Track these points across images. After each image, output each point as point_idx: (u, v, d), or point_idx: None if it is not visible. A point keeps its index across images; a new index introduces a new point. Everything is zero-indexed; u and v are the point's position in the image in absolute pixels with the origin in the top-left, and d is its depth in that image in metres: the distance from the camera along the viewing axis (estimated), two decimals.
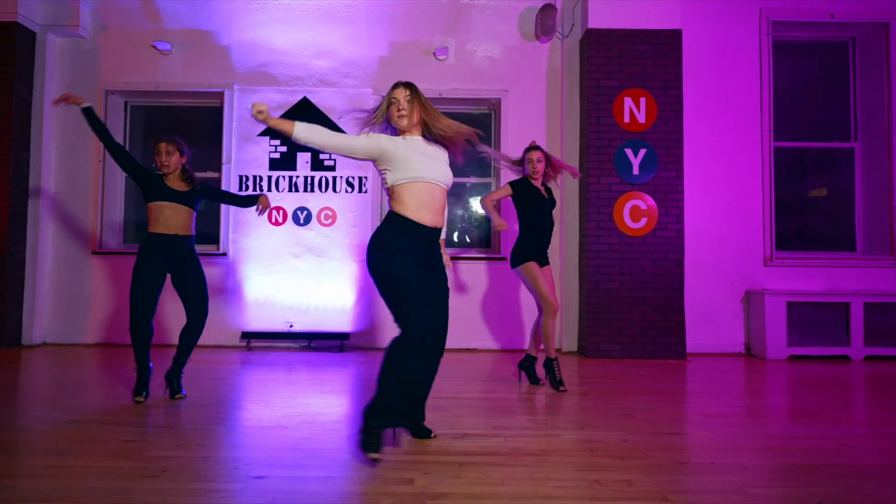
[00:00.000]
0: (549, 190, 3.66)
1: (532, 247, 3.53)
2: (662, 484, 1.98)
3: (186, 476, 2.00)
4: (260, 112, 2.13)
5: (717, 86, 5.17)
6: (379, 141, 2.28)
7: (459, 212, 5.55)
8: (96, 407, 2.97)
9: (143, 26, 5.26)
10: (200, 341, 5.01)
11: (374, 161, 2.32)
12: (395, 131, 2.38)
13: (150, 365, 3.16)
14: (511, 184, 3.57)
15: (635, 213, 4.80)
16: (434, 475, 2.04)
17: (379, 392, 2.17)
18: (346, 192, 5.22)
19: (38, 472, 2.03)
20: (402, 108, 2.31)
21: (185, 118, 5.56)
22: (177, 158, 3.15)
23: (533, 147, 3.58)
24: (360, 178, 5.23)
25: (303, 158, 5.25)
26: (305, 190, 5.21)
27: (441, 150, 2.41)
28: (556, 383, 3.45)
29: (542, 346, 3.63)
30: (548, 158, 3.58)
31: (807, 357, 4.85)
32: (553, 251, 5.19)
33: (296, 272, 5.16)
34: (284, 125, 2.16)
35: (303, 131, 2.17)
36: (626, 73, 4.86)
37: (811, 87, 5.55)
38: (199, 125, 5.55)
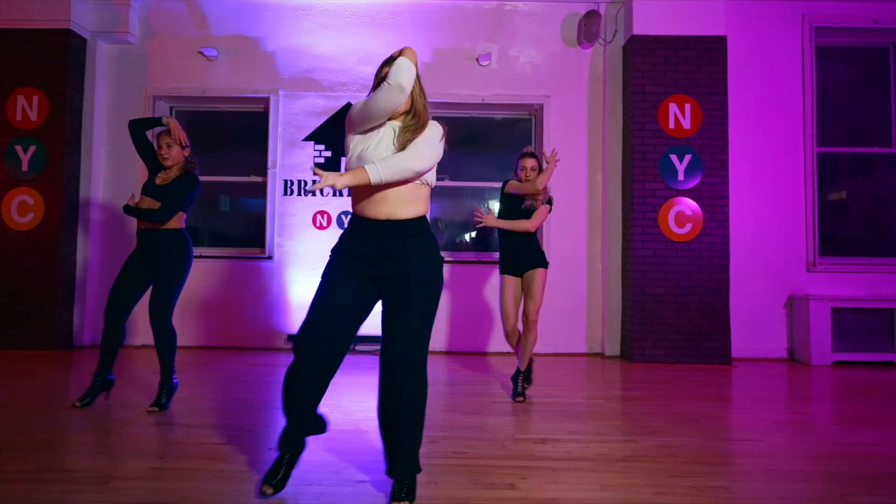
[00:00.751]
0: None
1: (504, 254, 3.41)
2: (759, 490, 2.02)
3: (293, 480, 2.05)
4: (334, 185, 1.77)
5: (760, 91, 5.19)
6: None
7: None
8: (171, 408, 3.03)
9: (190, 33, 5.34)
10: (247, 343, 5.17)
11: None
12: None
13: (111, 377, 3.05)
14: (505, 183, 3.44)
15: (680, 218, 4.82)
16: (532, 480, 2.08)
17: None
18: None
19: (146, 475, 2.09)
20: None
21: (228, 123, 5.64)
22: (177, 151, 3.06)
23: (528, 154, 3.41)
24: None
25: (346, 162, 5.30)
26: (350, 195, 5.26)
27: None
28: (515, 393, 3.36)
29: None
30: (540, 169, 3.40)
31: (851, 363, 4.86)
32: (595, 256, 5.24)
33: None
34: (360, 176, 1.79)
35: (376, 173, 1.79)
36: (671, 79, 4.88)
37: (851, 92, 5.55)
38: (243, 130, 5.63)
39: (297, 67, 5.33)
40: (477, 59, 5.26)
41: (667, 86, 4.88)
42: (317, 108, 5.30)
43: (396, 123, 1.95)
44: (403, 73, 1.79)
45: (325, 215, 5.27)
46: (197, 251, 5.28)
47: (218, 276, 5.22)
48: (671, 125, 4.85)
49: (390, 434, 1.89)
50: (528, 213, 3.38)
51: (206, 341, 5.15)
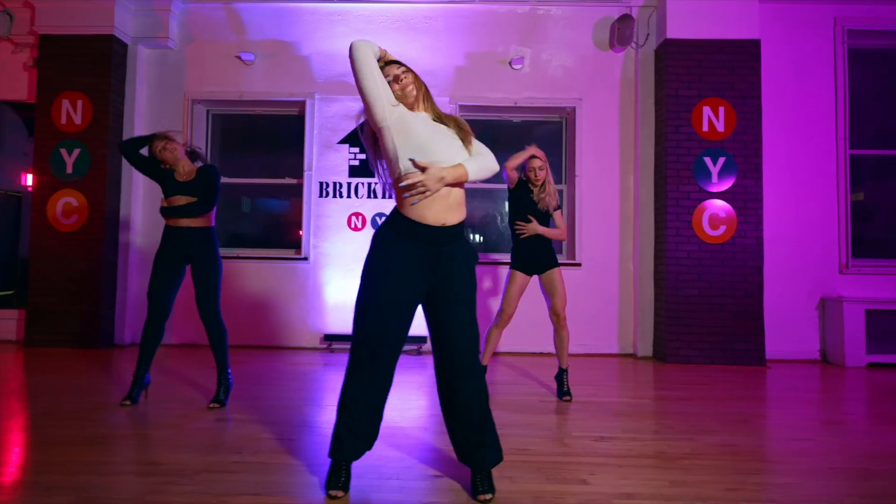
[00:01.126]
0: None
1: (522, 254, 3.46)
2: (830, 488, 2.07)
3: (370, 474, 2.12)
4: (440, 181, 1.84)
5: (793, 94, 5.22)
6: None
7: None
8: (228, 405, 3.11)
9: (228, 38, 5.45)
10: (284, 342, 5.26)
11: None
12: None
13: (148, 375, 3.12)
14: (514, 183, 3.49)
15: (714, 220, 4.86)
16: (601, 476, 2.15)
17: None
18: None
19: (230, 468, 2.17)
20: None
21: (264, 126, 5.74)
22: (175, 147, 3.10)
23: (535, 154, 3.47)
24: None
25: (382, 165, 5.38)
26: (384, 196, 5.35)
27: None
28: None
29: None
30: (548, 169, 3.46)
31: (885, 364, 4.87)
32: (626, 257, 5.29)
33: None
34: (458, 172, 1.87)
35: (473, 170, 1.90)
36: (705, 82, 4.92)
37: (883, 94, 5.57)
38: (279, 133, 5.73)
39: (332, 71, 5.42)
40: (510, 63, 5.32)
41: (701, 89, 4.92)
42: (351, 112, 5.39)
43: (440, 124, 1.98)
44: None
45: (360, 217, 5.35)
46: (234, 252, 5.39)
47: (255, 277, 5.32)
48: (705, 128, 4.89)
49: (466, 431, 1.93)
50: (541, 213, 3.45)
51: (244, 341, 5.24)
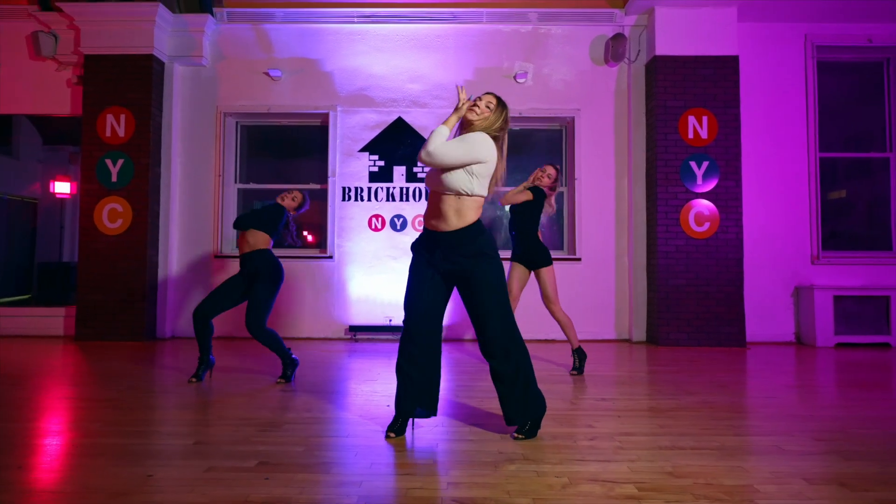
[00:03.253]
0: None
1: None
2: (782, 428, 2.62)
3: (439, 433, 2.65)
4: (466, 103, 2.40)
5: (769, 103, 5.80)
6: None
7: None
8: (290, 398, 3.64)
9: (257, 55, 5.96)
10: (313, 333, 5.78)
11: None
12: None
13: (213, 358, 3.64)
14: (533, 190, 3.95)
15: (699, 218, 5.43)
16: (604, 423, 2.69)
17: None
18: None
19: (310, 420, 2.70)
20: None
21: (290, 136, 6.26)
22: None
23: (549, 164, 4.08)
24: None
25: (399, 171, 5.92)
26: (401, 199, 5.88)
27: None
28: None
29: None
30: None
31: (851, 344, 5.46)
32: (622, 252, 5.85)
33: (393, 273, 5.83)
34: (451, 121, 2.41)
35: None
36: (690, 94, 5.50)
37: (850, 102, 6.17)
38: (304, 142, 6.25)
39: (353, 86, 5.94)
40: (514, 77, 5.87)
41: (686, 100, 5.49)
42: (370, 122, 5.92)
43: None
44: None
45: (380, 218, 5.88)
46: None
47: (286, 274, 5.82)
48: (690, 135, 5.47)
49: (503, 398, 2.39)
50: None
51: (280, 332, 5.74)
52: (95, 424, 2.60)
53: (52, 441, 2.37)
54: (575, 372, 3.94)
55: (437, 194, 2.39)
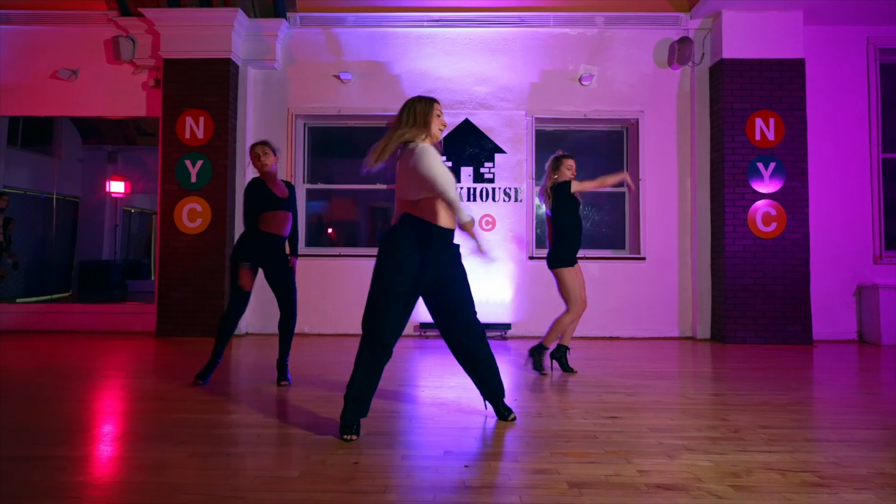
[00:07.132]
0: None
1: (576, 249, 3.84)
2: (853, 418, 2.75)
3: (547, 449, 2.80)
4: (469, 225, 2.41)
5: (832, 104, 5.90)
6: None
7: (597, 216, 6.33)
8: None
9: (327, 59, 6.10)
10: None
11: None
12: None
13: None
14: (568, 185, 3.81)
15: (766, 218, 5.55)
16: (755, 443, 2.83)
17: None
18: (504, 201, 6.03)
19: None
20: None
21: (359, 137, 6.41)
22: (272, 157, 3.57)
23: (567, 156, 3.89)
24: (516, 189, 6.04)
25: (466, 172, 6.06)
26: (469, 199, 6.02)
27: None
28: (567, 369, 3.93)
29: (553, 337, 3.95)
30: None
31: None
32: (685, 251, 5.97)
33: None
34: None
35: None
36: (757, 96, 5.60)
37: None
38: (370, 142, 6.37)
39: (420, 88, 6.07)
40: (580, 80, 5.99)
41: (753, 102, 5.60)
42: None
43: None
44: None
45: None
46: (335, 251, 6.06)
47: (354, 273, 5.98)
48: (757, 137, 5.57)
49: (486, 378, 2.72)
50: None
51: (349, 329, 5.91)
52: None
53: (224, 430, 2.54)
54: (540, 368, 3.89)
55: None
